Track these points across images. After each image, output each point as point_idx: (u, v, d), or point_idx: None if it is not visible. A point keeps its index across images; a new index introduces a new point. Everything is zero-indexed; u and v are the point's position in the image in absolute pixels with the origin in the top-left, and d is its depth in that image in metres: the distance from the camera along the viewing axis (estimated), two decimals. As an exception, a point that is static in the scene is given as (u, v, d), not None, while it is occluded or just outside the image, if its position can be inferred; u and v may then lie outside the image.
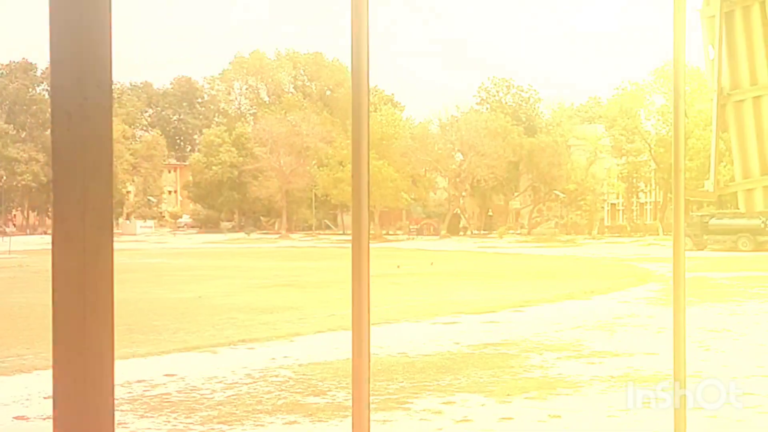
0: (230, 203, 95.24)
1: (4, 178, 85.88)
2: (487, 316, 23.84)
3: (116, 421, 2.24)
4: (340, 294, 25.10)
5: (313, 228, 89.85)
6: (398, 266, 40.52)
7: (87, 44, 2.11)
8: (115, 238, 2.16)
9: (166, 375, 15.65)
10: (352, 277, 3.54)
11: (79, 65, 2.10)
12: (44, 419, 11.98)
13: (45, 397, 13.11)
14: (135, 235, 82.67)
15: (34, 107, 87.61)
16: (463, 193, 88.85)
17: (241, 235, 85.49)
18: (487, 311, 24.69)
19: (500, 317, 23.73)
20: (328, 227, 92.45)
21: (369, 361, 3.63)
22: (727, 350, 18.08)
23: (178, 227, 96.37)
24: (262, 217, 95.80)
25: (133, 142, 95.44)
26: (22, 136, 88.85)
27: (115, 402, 2.18)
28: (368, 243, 3.60)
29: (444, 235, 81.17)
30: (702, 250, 54.23)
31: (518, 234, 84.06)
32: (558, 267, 43.37)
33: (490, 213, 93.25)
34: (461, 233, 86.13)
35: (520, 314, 24.48)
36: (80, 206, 2.07)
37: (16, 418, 12.65)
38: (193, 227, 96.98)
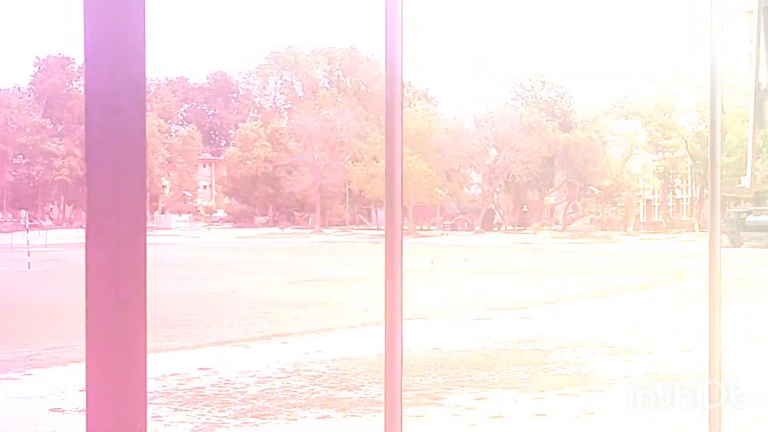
0: (264, 198, 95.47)
1: (42, 172, 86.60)
2: (520, 312, 23.78)
3: (151, 415, 2.25)
4: (373, 289, 25.11)
5: (347, 223, 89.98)
6: (432, 262, 40.48)
7: (121, 39, 2.12)
8: (150, 233, 2.17)
9: (200, 368, 15.75)
10: (385, 273, 3.54)
11: (113, 60, 2.11)
12: (79, 411, 12.08)
13: (80, 390, 13.23)
14: (170, 229, 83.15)
15: (71, 102, 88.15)
16: (498, 189, 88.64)
17: (275, 229, 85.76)
18: (521, 307, 24.63)
19: (534, 313, 23.66)
20: (361, 222, 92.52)
21: (402, 356, 3.62)
22: (761, 350, 17.92)
23: (213, 221, 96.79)
24: (295, 212, 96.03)
25: (168, 137, 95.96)
26: (59, 130, 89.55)
27: (150, 395, 2.19)
28: (401, 238, 3.59)
29: (478, 231, 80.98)
30: (738, 246, 53.72)
31: (553, 230, 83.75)
32: (593, 263, 43.15)
33: (525, 209, 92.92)
34: (495, 229, 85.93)
35: (554, 310, 24.39)
36: (113, 200, 2.08)
37: (52, 410, 12.78)
38: (227, 222, 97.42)
